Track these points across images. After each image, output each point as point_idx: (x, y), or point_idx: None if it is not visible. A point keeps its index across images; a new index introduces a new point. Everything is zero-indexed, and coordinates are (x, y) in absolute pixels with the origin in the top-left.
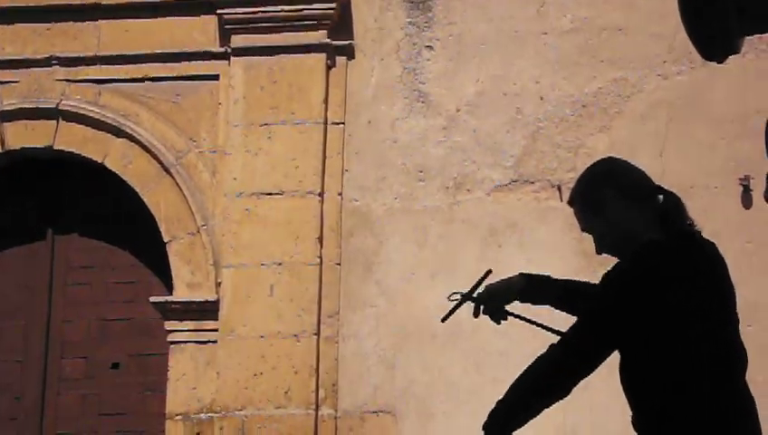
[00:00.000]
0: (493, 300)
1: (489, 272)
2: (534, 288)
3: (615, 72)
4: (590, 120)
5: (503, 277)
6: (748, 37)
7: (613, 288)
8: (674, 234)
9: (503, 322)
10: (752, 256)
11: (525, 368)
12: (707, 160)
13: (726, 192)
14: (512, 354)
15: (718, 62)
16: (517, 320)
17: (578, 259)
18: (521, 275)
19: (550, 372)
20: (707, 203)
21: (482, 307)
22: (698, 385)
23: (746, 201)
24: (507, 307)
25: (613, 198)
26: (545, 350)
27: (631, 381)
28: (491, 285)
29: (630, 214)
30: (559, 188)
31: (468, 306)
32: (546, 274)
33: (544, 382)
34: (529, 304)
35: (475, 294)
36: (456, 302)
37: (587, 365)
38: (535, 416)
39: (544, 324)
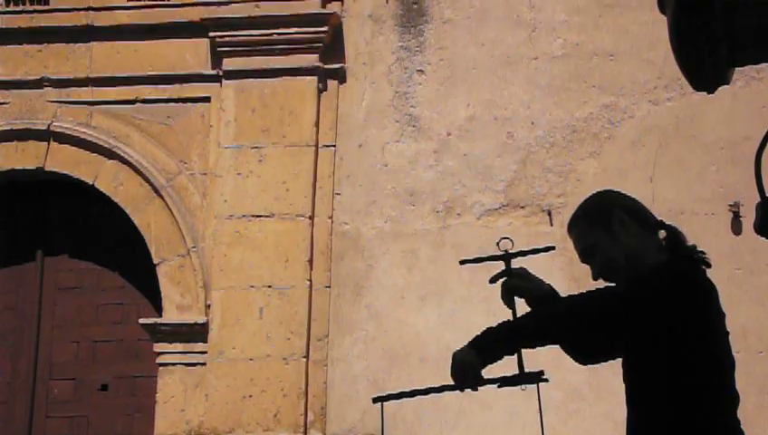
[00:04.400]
0: (521, 280)
1: (552, 248)
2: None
3: (606, 97)
4: (581, 146)
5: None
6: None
7: (629, 294)
8: (681, 258)
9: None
10: (741, 282)
11: (528, 312)
12: (698, 186)
13: (716, 218)
14: None
15: (708, 93)
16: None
17: (568, 283)
18: (549, 285)
19: (543, 320)
20: (697, 229)
21: (503, 280)
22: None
23: (736, 227)
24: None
25: (624, 218)
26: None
27: (636, 389)
28: (529, 271)
29: (638, 238)
30: (549, 213)
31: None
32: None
33: (534, 325)
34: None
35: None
36: (495, 256)
37: (577, 336)
38: (512, 353)
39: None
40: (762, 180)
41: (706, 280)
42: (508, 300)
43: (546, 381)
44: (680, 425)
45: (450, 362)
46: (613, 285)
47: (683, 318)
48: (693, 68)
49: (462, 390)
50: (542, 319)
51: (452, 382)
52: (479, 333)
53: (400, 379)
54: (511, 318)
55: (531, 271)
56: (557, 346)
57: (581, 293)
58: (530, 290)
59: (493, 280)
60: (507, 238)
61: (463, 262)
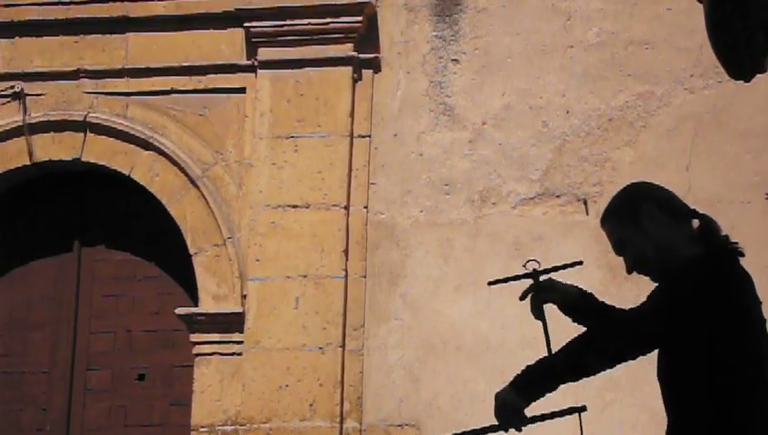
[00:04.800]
0: (549, 292)
1: (579, 263)
2: (580, 304)
3: (641, 85)
4: (617, 134)
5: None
6: None
7: (664, 298)
8: (714, 249)
9: (528, 332)
10: None
11: (562, 346)
12: (734, 175)
13: (752, 206)
14: None
15: (745, 81)
16: (542, 333)
17: (603, 273)
18: (577, 287)
19: (582, 353)
20: (734, 217)
21: (531, 295)
22: (744, 397)
23: None
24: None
25: (654, 211)
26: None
27: (674, 388)
28: (555, 280)
29: (669, 230)
30: (585, 202)
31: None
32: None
33: (573, 360)
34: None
35: (541, 278)
36: (523, 275)
37: (615, 358)
38: (554, 390)
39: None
40: None
41: (740, 271)
42: (537, 313)
43: (585, 410)
44: (720, 423)
45: (494, 401)
46: (645, 298)
47: (718, 314)
48: (729, 56)
49: (506, 430)
50: (573, 354)
51: (496, 423)
52: (519, 372)
53: (436, 368)
54: (542, 331)
55: (566, 260)
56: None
57: (609, 320)
58: (559, 300)
59: (522, 297)
60: (534, 260)
61: (491, 283)
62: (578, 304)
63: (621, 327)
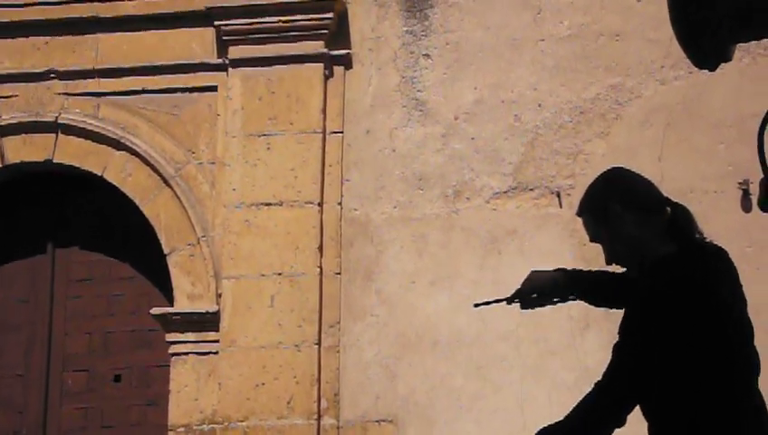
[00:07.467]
0: (541, 297)
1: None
2: (570, 283)
3: (612, 77)
4: (589, 127)
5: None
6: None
7: (640, 318)
8: (685, 245)
9: (504, 325)
10: (752, 259)
11: (574, 408)
12: (706, 165)
13: (726, 196)
14: (513, 360)
15: (710, 70)
16: (519, 325)
17: (577, 265)
18: (560, 271)
19: (593, 417)
20: (707, 207)
21: (518, 303)
22: (723, 392)
23: (746, 205)
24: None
25: (618, 210)
26: (591, 389)
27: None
28: (535, 280)
29: (637, 227)
30: (558, 195)
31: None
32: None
33: (589, 426)
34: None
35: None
36: (507, 297)
37: (624, 406)
38: None
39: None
40: (766, 157)
41: (714, 265)
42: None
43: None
44: (700, 423)
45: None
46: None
47: (690, 313)
48: (693, 45)
49: None
50: (592, 421)
51: None
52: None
53: (412, 364)
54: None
55: (542, 254)
56: (561, 328)
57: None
58: (555, 288)
59: (514, 307)
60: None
61: (477, 305)
62: (571, 288)
63: (621, 373)
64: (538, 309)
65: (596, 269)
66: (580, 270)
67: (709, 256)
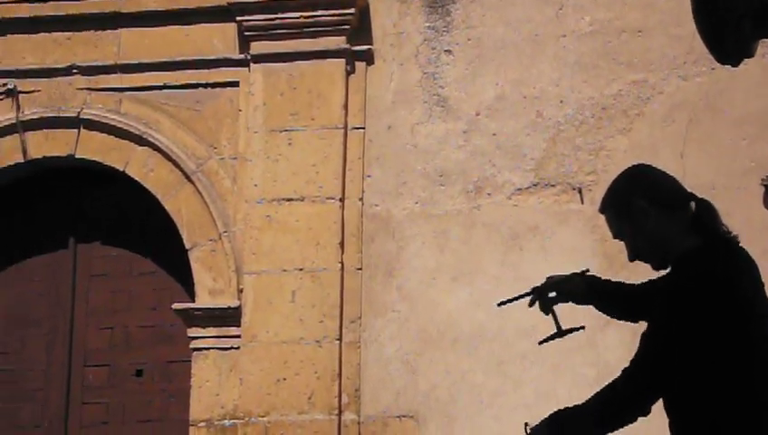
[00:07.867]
0: (560, 296)
1: (586, 271)
2: (588, 291)
3: (635, 74)
4: (611, 123)
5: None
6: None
7: (666, 314)
8: (710, 240)
9: (524, 322)
10: None
11: (596, 392)
12: (728, 161)
13: (748, 193)
14: (534, 356)
15: (733, 66)
16: (540, 321)
17: (599, 261)
18: (577, 275)
19: (614, 402)
20: (729, 204)
21: (538, 302)
22: (744, 388)
23: None
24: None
25: (642, 207)
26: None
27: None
28: (558, 283)
29: (661, 222)
30: (579, 191)
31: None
32: (591, 274)
33: (608, 412)
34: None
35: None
36: (527, 292)
37: (648, 396)
38: None
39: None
40: None
41: (737, 262)
42: (547, 312)
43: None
44: (722, 422)
45: None
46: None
47: (714, 309)
48: (716, 42)
49: None
50: (606, 416)
51: None
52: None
53: (433, 359)
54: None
55: (563, 251)
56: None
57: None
58: (566, 300)
59: (530, 304)
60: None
61: (500, 304)
62: (588, 296)
63: (644, 364)
64: (560, 305)
65: (615, 281)
66: (600, 280)
67: (733, 250)
